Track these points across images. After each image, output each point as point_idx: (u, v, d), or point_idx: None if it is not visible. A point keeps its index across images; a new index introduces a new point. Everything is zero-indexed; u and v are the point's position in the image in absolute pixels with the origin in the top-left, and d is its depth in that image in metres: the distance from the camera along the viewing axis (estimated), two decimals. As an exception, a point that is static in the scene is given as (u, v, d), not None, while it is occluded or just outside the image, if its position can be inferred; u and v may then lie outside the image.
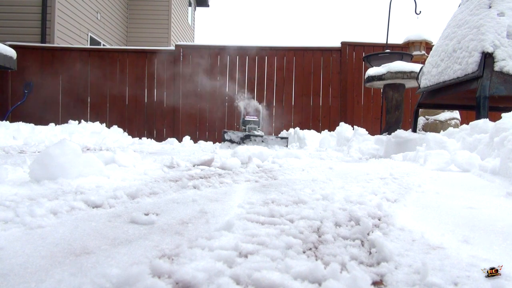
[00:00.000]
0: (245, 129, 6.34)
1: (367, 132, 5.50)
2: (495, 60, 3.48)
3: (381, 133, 6.04)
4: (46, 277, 0.70)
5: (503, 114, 2.72)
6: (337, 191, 1.66)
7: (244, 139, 5.84)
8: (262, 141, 5.80)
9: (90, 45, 11.09)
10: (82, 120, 7.20)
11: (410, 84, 6.06)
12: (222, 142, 5.95)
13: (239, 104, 6.87)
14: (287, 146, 5.87)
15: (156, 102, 8.82)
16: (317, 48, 8.75)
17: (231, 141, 5.85)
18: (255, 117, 6.74)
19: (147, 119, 8.78)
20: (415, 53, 6.69)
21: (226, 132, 5.95)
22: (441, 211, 1.35)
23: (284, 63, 8.79)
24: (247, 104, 6.68)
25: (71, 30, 10.19)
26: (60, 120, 8.46)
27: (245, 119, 6.72)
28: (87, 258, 0.81)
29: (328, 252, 0.89)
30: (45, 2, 9.28)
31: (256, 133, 6.05)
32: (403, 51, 6.97)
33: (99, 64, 8.74)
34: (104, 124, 7.51)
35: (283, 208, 1.30)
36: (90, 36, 11.32)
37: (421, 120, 6.61)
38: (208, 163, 2.75)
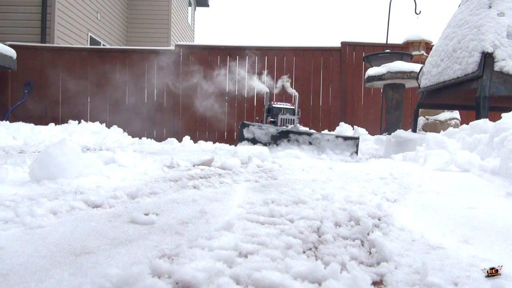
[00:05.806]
0: (275, 122, 4.34)
1: (367, 132, 5.51)
2: (495, 60, 3.48)
3: (381, 133, 6.04)
4: (46, 277, 0.70)
5: (503, 114, 2.72)
6: (337, 191, 1.66)
7: (277, 139, 3.71)
8: (310, 143, 3.71)
9: (90, 45, 11.08)
10: (82, 120, 7.20)
11: (410, 84, 6.07)
12: (240, 142, 3.82)
13: (257, 84, 4.62)
14: (356, 152, 3.80)
15: (156, 101, 8.82)
16: (317, 48, 8.75)
17: (254, 141, 3.74)
18: (288, 104, 4.55)
19: (147, 119, 8.77)
20: (414, 53, 6.70)
21: (247, 126, 3.78)
22: (441, 211, 1.35)
23: (284, 63, 8.78)
24: (276, 86, 4.38)
25: (71, 30, 10.19)
26: (60, 120, 8.45)
27: (274, 105, 4.49)
28: (87, 258, 0.81)
29: (328, 252, 0.89)
30: (45, 2, 9.28)
31: (300, 128, 4.06)
32: (403, 51, 6.97)
33: (99, 64, 8.74)
34: (104, 124, 7.51)
35: (283, 208, 1.30)
36: (90, 36, 11.31)
37: (421, 120, 6.61)
38: (208, 163, 2.75)
